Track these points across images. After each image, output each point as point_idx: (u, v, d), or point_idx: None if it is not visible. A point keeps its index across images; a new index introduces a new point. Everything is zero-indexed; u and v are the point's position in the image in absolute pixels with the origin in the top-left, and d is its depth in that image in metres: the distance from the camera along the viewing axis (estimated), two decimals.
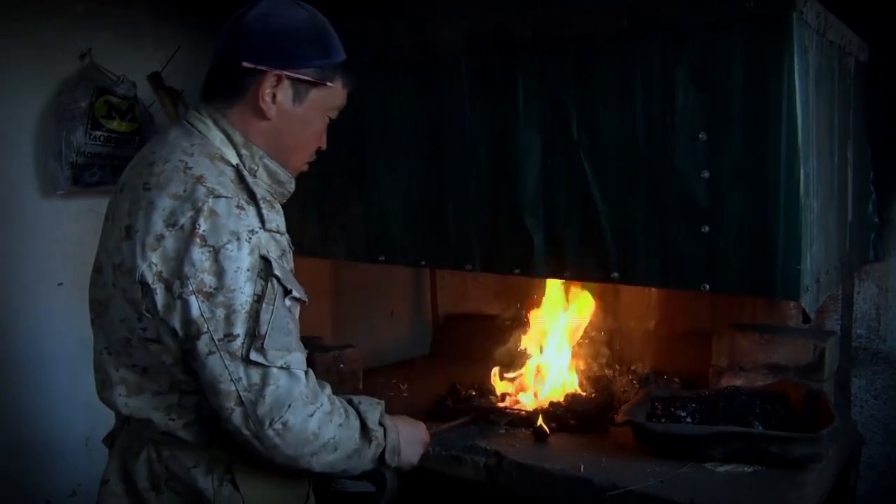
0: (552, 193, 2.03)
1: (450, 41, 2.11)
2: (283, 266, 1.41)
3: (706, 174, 1.78)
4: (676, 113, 1.80)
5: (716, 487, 1.81)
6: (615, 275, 1.96)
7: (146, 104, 2.77)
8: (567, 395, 2.41)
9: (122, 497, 1.56)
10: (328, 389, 1.51)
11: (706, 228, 1.80)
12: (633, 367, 2.66)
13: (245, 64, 1.47)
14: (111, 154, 2.64)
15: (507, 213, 2.11)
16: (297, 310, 1.45)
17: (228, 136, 1.52)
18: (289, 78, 1.50)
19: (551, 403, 2.35)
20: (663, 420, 2.04)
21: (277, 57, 1.49)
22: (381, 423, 1.61)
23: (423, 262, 2.37)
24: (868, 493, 2.50)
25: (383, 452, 1.62)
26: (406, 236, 2.34)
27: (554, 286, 2.66)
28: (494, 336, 2.79)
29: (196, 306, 1.34)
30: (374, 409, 1.61)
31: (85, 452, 2.76)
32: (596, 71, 1.91)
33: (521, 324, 2.77)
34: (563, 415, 2.27)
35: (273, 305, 1.37)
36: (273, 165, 1.55)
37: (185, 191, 1.37)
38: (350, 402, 1.57)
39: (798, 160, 1.68)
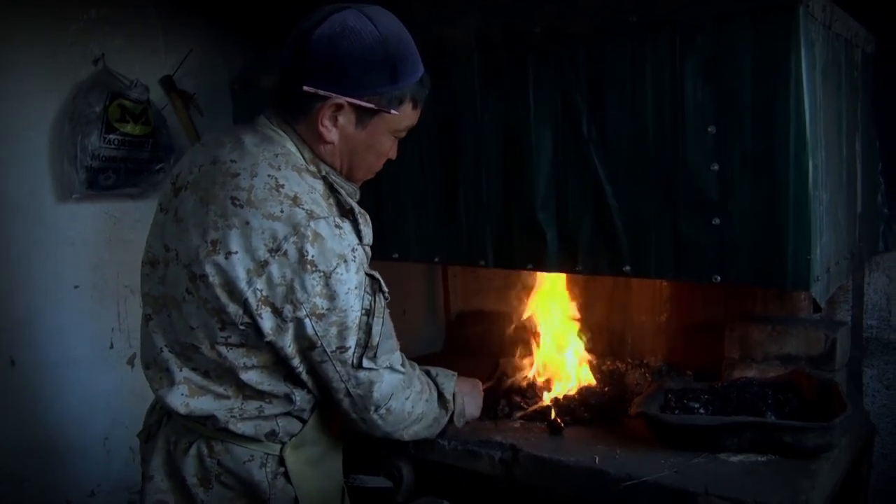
0: (564, 188, 2.05)
1: (460, 39, 2.13)
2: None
3: (716, 167, 1.80)
4: (686, 107, 1.81)
5: (729, 477, 1.82)
6: (627, 268, 1.97)
7: (159, 107, 2.79)
8: (580, 389, 2.43)
9: (169, 493, 1.58)
10: (417, 370, 1.73)
11: (716, 220, 1.81)
12: (645, 360, 2.67)
13: (306, 88, 1.44)
14: (125, 157, 2.67)
15: (519, 209, 2.13)
16: None
17: (299, 150, 1.53)
18: (351, 104, 1.47)
19: (565, 397, 2.37)
20: (676, 412, 2.06)
21: (340, 83, 1.45)
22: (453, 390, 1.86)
23: (436, 259, 2.38)
24: (881, 483, 2.50)
25: (451, 415, 1.89)
26: (419, 233, 2.36)
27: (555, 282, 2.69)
28: (506, 333, 2.80)
29: (310, 326, 1.41)
30: (449, 380, 1.86)
31: (103, 453, 2.79)
32: (605, 66, 1.93)
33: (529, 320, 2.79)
34: (577, 408, 2.29)
35: (382, 318, 1.49)
36: (339, 181, 1.56)
37: (282, 211, 1.38)
38: (428, 374, 1.80)
39: (806, 151, 1.69)
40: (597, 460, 1.95)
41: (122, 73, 2.68)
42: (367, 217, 1.52)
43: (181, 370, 1.51)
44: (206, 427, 1.53)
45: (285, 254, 1.36)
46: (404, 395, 1.63)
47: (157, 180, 2.80)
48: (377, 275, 1.49)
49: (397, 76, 1.48)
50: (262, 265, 1.37)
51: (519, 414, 2.30)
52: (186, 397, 1.50)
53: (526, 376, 2.52)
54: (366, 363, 1.49)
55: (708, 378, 2.36)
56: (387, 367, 1.55)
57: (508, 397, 2.37)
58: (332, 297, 1.39)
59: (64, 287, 2.69)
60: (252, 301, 1.38)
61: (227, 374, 1.47)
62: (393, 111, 1.51)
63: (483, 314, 3.25)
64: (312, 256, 1.37)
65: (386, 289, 1.53)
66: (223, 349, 1.44)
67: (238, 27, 3.04)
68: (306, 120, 1.50)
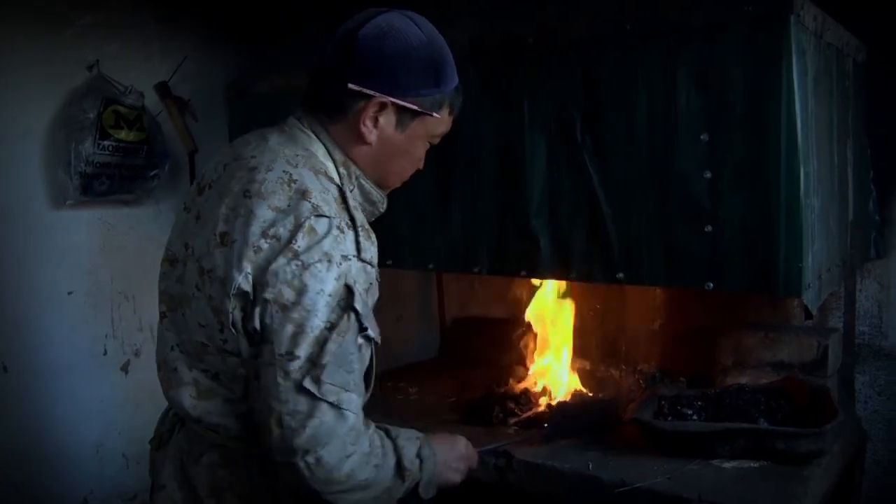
0: (558, 196, 2.05)
1: (455, 46, 2.12)
2: (366, 301, 1.38)
3: (708, 174, 1.80)
4: (679, 115, 1.82)
5: (723, 483, 1.83)
6: (620, 275, 1.98)
7: (154, 113, 2.80)
8: (574, 396, 2.43)
9: (180, 503, 1.53)
10: (372, 428, 1.46)
11: (709, 228, 1.82)
12: (639, 367, 2.68)
13: (351, 86, 1.43)
14: (120, 163, 2.67)
15: (513, 216, 2.13)
16: (367, 350, 1.42)
17: (329, 152, 1.50)
18: (394, 105, 1.46)
19: (559, 403, 2.37)
20: (670, 418, 2.06)
21: (385, 82, 1.43)
22: (419, 455, 1.53)
23: (430, 266, 2.39)
24: (873, 489, 2.51)
25: (417, 485, 1.55)
26: (414, 240, 2.36)
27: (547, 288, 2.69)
28: (501, 339, 2.81)
29: (269, 314, 1.32)
30: (411, 444, 1.54)
31: (96, 460, 2.79)
32: (600, 74, 1.94)
33: (527, 327, 2.80)
34: None
35: (343, 338, 1.33)
36: (368, 185, 1.54)
37: (288, 205, 1.35)
38: (388, 434, 1.51)
39: (798, 159, 1.70)
40: (590, 466, 1.95)
41: (116, 79, 2.69)
42: (372, 234, 1.45)
43: (190, 371, 1.48)
44: (219, 435, 1.49)
45: (278, 238, 1.34)
46: (343, 451, 1.36)
47: (152, 186, 2.80)
48: (357, 289, 1.35)
49: (440, 80, 1.49)
50: (256, 251, 1.34)
51: (513, 420, 2.30)
52: (194, 399, 1.47)
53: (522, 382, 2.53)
54: (307, 383, 1.31)
55: (701, 384, 2.37)
56: (332, 404, 1.33)
57: (503, 404, 2.37)
58: (301, 290, 1.31)
59: (58, 293, 2.69)
60: (245, 285, 1.34)
61: (235, 379, 1.45)
62: (434, 114, 1.50)
63: (478, 320, 3.26)
64: (298, 246, 1.32)
65: (375, 334, 1.40)
66: (224, 356, 1.43)
67: (233, 33, 3.04)
68: (344, 120, 1.48)
